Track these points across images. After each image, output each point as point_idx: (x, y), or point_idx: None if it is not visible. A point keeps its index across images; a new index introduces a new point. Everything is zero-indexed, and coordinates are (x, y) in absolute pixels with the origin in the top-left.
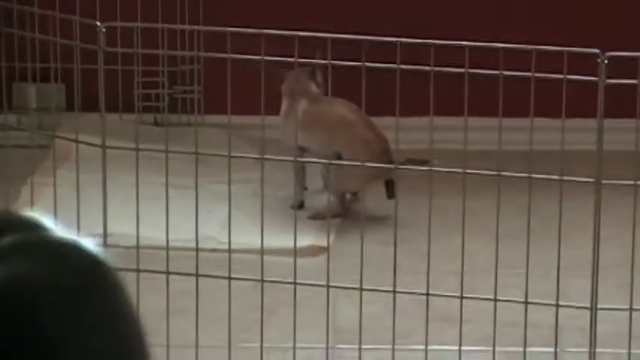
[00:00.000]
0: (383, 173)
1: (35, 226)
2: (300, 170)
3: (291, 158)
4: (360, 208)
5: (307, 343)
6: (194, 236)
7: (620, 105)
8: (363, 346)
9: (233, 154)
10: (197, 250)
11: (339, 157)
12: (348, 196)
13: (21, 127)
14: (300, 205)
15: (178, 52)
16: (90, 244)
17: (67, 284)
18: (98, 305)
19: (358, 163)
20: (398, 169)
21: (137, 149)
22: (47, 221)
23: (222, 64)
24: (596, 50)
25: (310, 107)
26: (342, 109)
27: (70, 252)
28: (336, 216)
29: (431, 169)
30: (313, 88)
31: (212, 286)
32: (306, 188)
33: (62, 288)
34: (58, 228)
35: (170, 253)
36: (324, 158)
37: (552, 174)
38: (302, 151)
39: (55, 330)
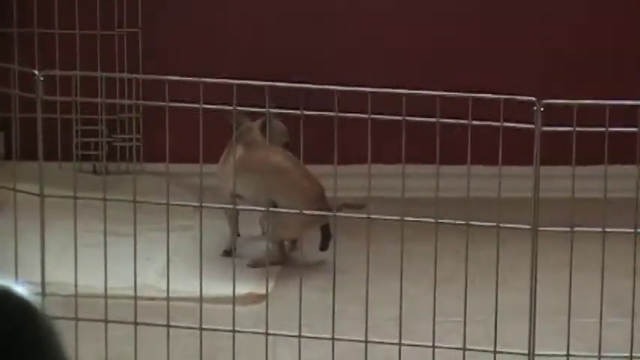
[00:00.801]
0: (318, 219)
1: None
2: (234, 217)
3: (230, 206)
4: (299, 255)
5: None
6: (132, 284)
7: (556, 152)
8: None
9: (172, 202)
10: (135, 298)
11: (275, 205)
12: (286, 243)
13: None
14: (230, 252)
15: (117, 101)
16: (22, 290)
17: None
18: (29, 351)
19: (295, 211)
20: (336, 216)
21: (75, 197)
22: None
23: (160, 112)
24: (532, 98)
25: (245, 154)
26: (276, 156)
27: (1, 298)
28: (276, 263)
29: (369, 217)
30: (255, 136)
31: (151, 333)
32: (238, 235)
33: None
34: None
35: (109, 301)
36: (260, 205)
37: (490, 221)
38: (238, 198)
39: None
